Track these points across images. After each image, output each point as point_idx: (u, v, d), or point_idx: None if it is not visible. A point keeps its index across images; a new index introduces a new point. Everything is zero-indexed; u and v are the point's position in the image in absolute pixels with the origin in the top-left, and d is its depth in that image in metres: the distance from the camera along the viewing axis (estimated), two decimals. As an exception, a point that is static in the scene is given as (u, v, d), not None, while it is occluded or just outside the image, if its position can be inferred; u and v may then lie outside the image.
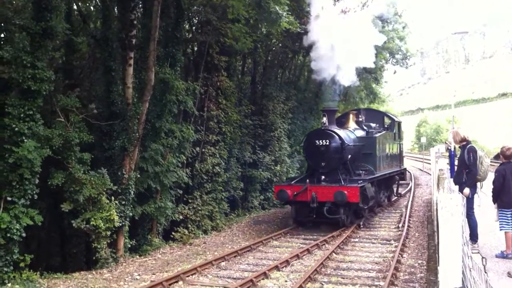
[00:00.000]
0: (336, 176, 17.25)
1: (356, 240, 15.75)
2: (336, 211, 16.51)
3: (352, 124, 20.32)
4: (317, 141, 17.51)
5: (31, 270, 11.95)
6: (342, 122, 20.40)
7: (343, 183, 16.66)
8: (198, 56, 20.73)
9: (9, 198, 11.20)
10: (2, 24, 12.48)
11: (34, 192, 11.62)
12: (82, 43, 17.21)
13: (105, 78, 15.25)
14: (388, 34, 33.06)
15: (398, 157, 23.99)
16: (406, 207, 22.04)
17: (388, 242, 15.26)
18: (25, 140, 11.33)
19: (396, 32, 35.29)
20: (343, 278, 11.31)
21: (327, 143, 17.35)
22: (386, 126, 22.69)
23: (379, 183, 20.15)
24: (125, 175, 14.74)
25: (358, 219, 18.06)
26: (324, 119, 17.67)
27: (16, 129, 11.23)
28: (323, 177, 17.38)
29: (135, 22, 15.32)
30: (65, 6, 13.41)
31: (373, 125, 21.21)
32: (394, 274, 11.40)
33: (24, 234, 11.45)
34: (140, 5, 16.88)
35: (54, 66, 14.27)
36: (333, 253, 13.61)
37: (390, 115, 24.28)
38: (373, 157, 19.07)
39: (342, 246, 14.63)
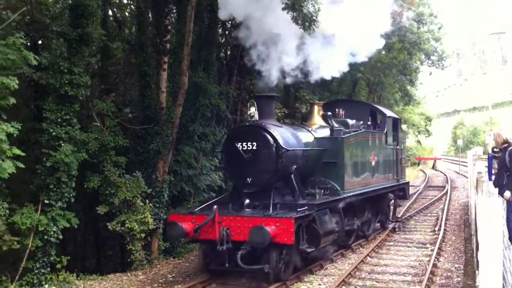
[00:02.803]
0: (269, 199, 10.95)
1: (391, 243, 15.50)
2: (262, 257, 10.20)
3: (316, 120, 14.02)
4: (238, 144, 11.05)
5: (68, 272, 12.18)
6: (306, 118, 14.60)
7: (270, 212, 10.37)
8: (231, 59, 20.83)
9: (46, 201, 11.44)
10: (40, 31, 12.79)
11: (71, 195, 11.85)
12: (117, 49, 17.52)
13: (139, 82, 15.48)
14: (423, 36, 32.59)
15: (394, 167, 16.74)
16: (443, 210, 21.59)
17: (424, 245, 14.97)
18: (63, 144, 11.56)
19: (431, 33, 34.72)
20: (378, 282, 11.14)
21: (255, 148, 10.97)
22: (374, 123, 16.23)
23: (350, 208, 13.51)
24: (159, 178, 14.89)
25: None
26: (253, 110, 11.18)
27: (54, 133, 11.48)
28: (246, 200, 11.08)
29: (169, 27, 15.49)
30: (101, 13, 13.67)
31: (351, 122, 14.69)
32: (430, 278, 11.18)
33: (61, 236, 11.69)
34: (174, 11, 17.06)
35: (90, 71, 14.54)
36: (368, 257, 13.42)
37: (381, 109, 16.82)
38: (338, 169, 12.46)
39: (376, 250, 14.41)
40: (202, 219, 10.46)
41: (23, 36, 10.05)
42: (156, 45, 15.57)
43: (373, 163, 14.64)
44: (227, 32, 21.70)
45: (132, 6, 18.95)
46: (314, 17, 12.23)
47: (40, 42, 13.26)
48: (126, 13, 19.65)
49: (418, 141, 64.49)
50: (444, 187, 31.52)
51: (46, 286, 11.27)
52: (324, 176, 12.49)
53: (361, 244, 14.99)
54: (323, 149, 12.63)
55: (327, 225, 11.26)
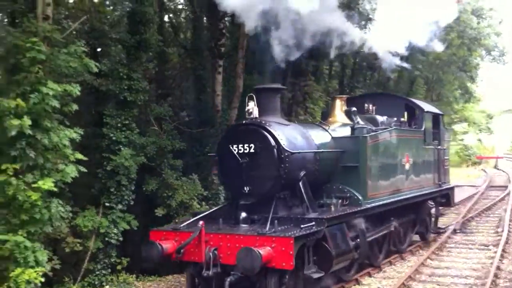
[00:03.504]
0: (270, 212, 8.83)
1: (452, 245, 15.00)
2: (257, 285, 8.20)
3: (338, 116, 12.01)
4: (234, 147, 9.14)
5: (127, 273, 12.47)
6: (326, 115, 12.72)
7: (265, 230, 8.07)
8: (285, 61, 20.74)
9: (107, 204, 11.78)
10: (100, 39, 13.18)
11: (131, 198, 12.14)
12: (173, 54, 17.83)
13: (195, 86, 15.70)
14: (483, 30, 31.46)
15: (435, 170, 14.41)
16: (505, 210, 20.73)
17: (486, 247, 14.41)
18: (122, 149, 11.87)
19: (491, 28, 33.47)
20: (439, 285, 10.82)
21: (252, 150, 9.00)
22: (411, 119, 13.84)
23: (377, 220, 11.39)
24: (214, 181, 15.02)
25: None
26: (251, 105, 9.26)
27: (114, 138, 11.80)
28: (242, 214, 8.96)
29: (223, 30, 15.63)
30: (157, 19, 13.94)
31: (381, 118, 12.66)
32: (494, 281, 10.74)
33: (121, 238, 12.00)
34: (229, 14, 17.17)
35: (148, 77, 14.86)
36: (428, 259, 13.06)
37: (418, 103, 14.37)
38: (359, 174, 10.39)
39: (437, 252, 13.98)
40: (188, 237, 8.40)
41: (83, 44, 10.36)
42: (211, 49, 15.73)
43: (406, 166, 12.29)
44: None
45: (187, 11, 19.23)
46: (371, 16, 12.01)
47: (99, 49, 13.67)
48: (182, 18, 19.96)
49: (479, 140, 62.36)
50: (506, 187, 30.29)
51: (107, 287, 11.59)
52: (343, 183, 10.37)
53: (420, 246, 14.60)
54: (342, 150, 10.45)
55: (342, 244, 9.07)
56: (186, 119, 15.56)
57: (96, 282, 11.44)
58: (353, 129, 10.77)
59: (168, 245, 8.47)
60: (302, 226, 8.21)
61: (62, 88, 9.16)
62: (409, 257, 13.56)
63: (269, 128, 9.00)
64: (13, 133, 8.43)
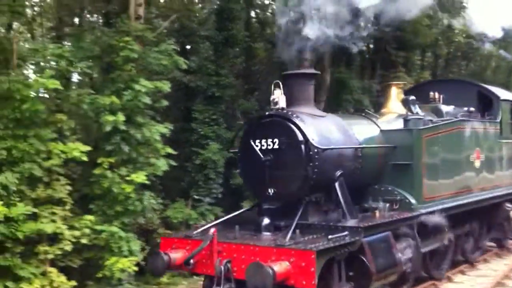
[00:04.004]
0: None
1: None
2: None
3: (392, 106, 10.44)
4: (256, 142, 7.76)
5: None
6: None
7: (285, 241, 6.71)
8: (374, 53, 20.26)
9: (196, 197, 12.13)
10: (189, 37, 13.56)
11: (219, 191, 12.41)
12: (260, 49, 17.93)
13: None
14: None
15: None
16: None
17: None
18: (210, 143, 12.17)
19: None
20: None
21: (276, 146, 7.64)
22: (485, 109, 12.08)
23: (436, 226, 9.21)
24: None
25: None
26: (277, 93, 7.78)
27: (202, 132, 12.13)
28: (265, 220, 7.65)
29: (310, 24, 15.49)
30: (244, 15, 14.11)
31: (446, 108, 11.17)
32: None
33: (209, 230, 12.26)
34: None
35: (235, 72, 15.07)
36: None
37: (493, 90, 12.35)
38: (412, 173, 8.81)
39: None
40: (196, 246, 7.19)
41: (173, 42, 10.70)
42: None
43: (476, 164, 10.60)
44: (369, 25, 21.13)
45: (274, 5, 19.28)
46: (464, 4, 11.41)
47: (188, 47, 14.05)
48: (268, 13, 20.04)
49: None
50: None
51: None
52: (393, 184, 8.73)
53: (498, 253, 13.09)
54: (392, 146, 8.79)
55: (386, 257, 7.59)
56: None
57: (187, 273, 11.78)
58: (406, 120, 9.06)
59: (177, 255, 7.18)
60: (330, 236, 6.77)
61: (154, 85, 9.52)
62: (505, 255, 12.82)
63: (296, 121, 7.48)
64: (108, 128, 8.90)
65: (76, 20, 13.26)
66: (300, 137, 7.41)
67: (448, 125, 9.81)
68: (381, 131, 9.09)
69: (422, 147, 8.85)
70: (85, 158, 8.68)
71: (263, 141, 7.66)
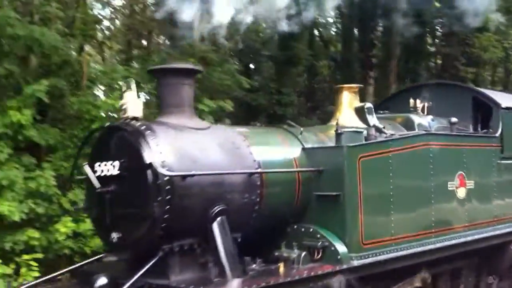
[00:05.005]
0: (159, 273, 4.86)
1: None
2: None
3: (344, 116, 7.21)
4: (95, 166, 5.11)
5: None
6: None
7: None
8: (442, 69, 19.73)
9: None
10: (252, 56, 13.73)
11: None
12: (323, 67, 17.89)
13: (345, 98, 15.54)
14: None
15: None
16: None
17: None
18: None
19: None
20: None
21: (117, 171, 4.95)
22: (483, 119, 9.11)
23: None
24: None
25: None
26: (127, 97, 5.23)
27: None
28: (100, 280, 4.66)
29: (374, 41, 15.34)
30: (307, 34, 14.14)
31: (419, 120, 8.04)
32: None
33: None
34: (380, 24, 16.82)
35: (297, 90, 15.07)
36: None
37: (492, 96, 9.08)
38: (340, 208, 5.75)
39: None
40: None
41: (237, 62, 10.85)
42: (361, 60, 15.50)
43: (460, 193, 7.49)
44: (436, 40, 20.64)
45: (337, 24, 19.24)
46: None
47: (252, 66, 14.22)
48: (332, 32, 20.01)
49: None
50: None
51: None
52: (318, 223, 5.86)
53: None
54: (316, 170, 5.90)
55: None
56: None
57: None
58: (338, 134, 6.08)
59: None
60: None
61: (217, 104, 9.64)
62: None
63: (146, 134, 4.89)
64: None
65: (144, 42, 13.73)
66: (147, 159, 4.82)
67: (406, 141, 6.78)
68: (304, 149, 6.12)
69: (356, 171, 5.92)
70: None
71: (103, 164, 5.11)
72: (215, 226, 5.11)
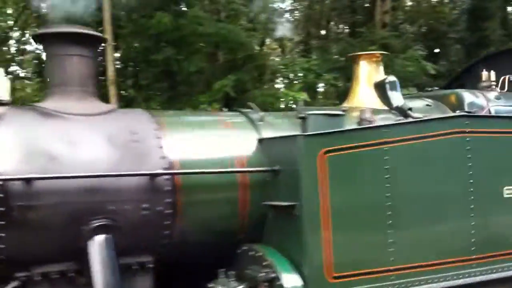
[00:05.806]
0: None
1: None
2: None
3: (362, 93, 5.17)
4: None
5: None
6: None
7: None
8: None
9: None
10: (437, 40, 12.90)
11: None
12: (519, 47, 16.17)
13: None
14: None
15: None
16: None
17: None
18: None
19: None
20: None
21: None
22: None
23: None
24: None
25: None
26: None
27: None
28: None
29: None
30: (500, 12, 12.90)
31: (471, 98, 5.24)
32: None
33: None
34: None
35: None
36: None
37: None
38: (298, 223, 3.61)
39: None
40: None
41: (420, 47, 10.25)
42: None
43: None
44: None
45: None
46: None
47: (437, 50, 13.39)
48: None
49: None
50: None
51: None
52: (272, 243, 3.87)
53: None
54: (270, 169, 3.87)
55: None
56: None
57: None
58: (300, 118, 4.04)
59: None
60: None
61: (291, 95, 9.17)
62: None
63: None
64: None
65: (323, 32, 13.69)
66: None
67: (419, 127, 4.07)
68: (261, 141, 4.13)
69: (318, 172, 3.79)
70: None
71: None
72: (95, 247, 3.55)
